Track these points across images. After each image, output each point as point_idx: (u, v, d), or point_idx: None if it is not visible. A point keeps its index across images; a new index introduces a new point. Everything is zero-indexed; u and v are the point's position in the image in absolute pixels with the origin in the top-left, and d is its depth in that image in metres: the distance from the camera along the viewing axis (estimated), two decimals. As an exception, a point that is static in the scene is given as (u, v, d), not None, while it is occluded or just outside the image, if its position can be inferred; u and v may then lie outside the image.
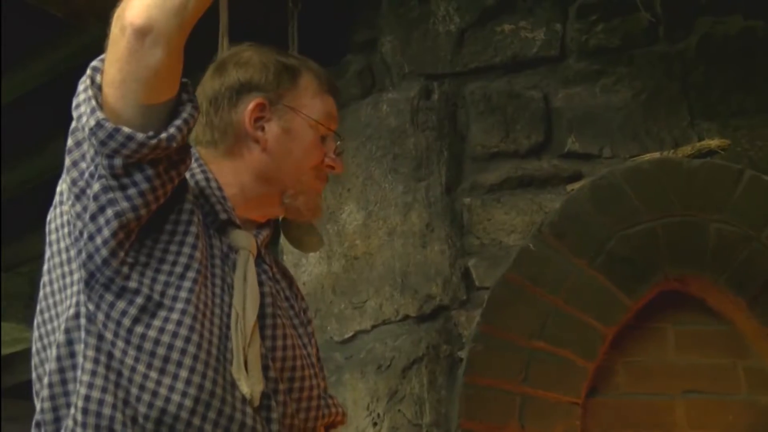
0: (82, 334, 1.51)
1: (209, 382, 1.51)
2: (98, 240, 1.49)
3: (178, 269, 1.54)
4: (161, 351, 1.49)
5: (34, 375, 1.60)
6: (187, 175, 1.61)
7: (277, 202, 1.73)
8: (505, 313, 2.87)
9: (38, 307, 1.60)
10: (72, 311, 1.52)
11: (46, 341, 1.57)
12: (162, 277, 1.53)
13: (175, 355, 1.50)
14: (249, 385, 1.55)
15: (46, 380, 1.54)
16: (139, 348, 1.49)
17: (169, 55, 1.47)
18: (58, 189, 1.59)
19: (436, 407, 2.88)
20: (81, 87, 1.51)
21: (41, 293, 1.59)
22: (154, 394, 1.49)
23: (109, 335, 1.49)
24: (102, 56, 1.51)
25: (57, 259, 1.57)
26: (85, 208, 1.50)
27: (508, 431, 2.80)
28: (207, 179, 1.68)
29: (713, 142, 2.96)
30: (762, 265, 2.91)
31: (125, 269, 1.51)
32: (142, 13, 1.45)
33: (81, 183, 1.51)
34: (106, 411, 1.49)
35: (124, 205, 1.49)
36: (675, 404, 2.92)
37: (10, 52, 3.33)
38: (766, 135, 3.10)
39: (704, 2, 3.17)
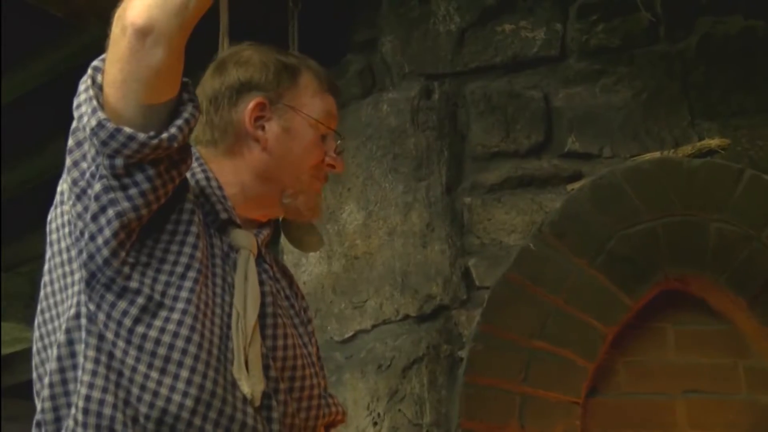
0: (83, 334, 1.51)
1: (210, 382, 1.51)
2: (99, 240, 1.49)
3: (179, 269, 1.54)
4: (162, 351, 1.49)
5: (34, 375, 1.60)
6: (188, 174, 1.61)
7: (277, 202, 1.73)
8: (506, 312, 2.87)
9: (39, 307, 1.60)
10: (73, 311, 1.52)
11: (46, 341, 1.57)
12: (163, 277, 1.53)
13: (176, 355, 1.50)
14: (250, 385, 1.55)
15: (46, 380, 1.54)
16: (140, 348, 1.49)
17: (170, 55, 1.47)
18: (59, 189, 1.59)
19: (437, 407, 2.88)
20: (82, 87, 1.51)
21: (42, 293, 1.59)
22: (155, 394, 1.49)
23: (110, 335, 1.49)
24: (103, 56, 1.51)
25: (58, 259, 1.56)
26: (86, 208, 1.50)
27: (508, 431, 2.80)
28: (207, 178, 1.68)
29: (713, 142, 2.96)
30: (762, 264, 2.91)
31: (126, 269, 1.51)
32: (143, 13, 1.44)
33: (82, 183, 1.51)
34: (107, 411, 1.49)
35: (126, 205, 1.49)
36: (675, 404, 2.92)
37: (10, 52, 3.33)
38: (767, 134, 3.10)
39: (704, 2, 3.17)
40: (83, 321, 1.51)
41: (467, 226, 3.05)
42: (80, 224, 1.51)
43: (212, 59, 1.80)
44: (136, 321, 1.50)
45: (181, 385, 1.49)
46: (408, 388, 2.91)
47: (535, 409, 2.81)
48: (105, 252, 1.49)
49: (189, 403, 1.49)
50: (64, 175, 1.54)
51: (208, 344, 1.53)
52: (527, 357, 2.83)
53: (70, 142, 1.53)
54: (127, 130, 1.46)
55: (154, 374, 1.49)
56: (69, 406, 1.51)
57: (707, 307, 2.97)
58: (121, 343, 1.49)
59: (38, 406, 1.55)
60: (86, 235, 1.50)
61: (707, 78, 3.12)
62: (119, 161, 1.47)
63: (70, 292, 1.54)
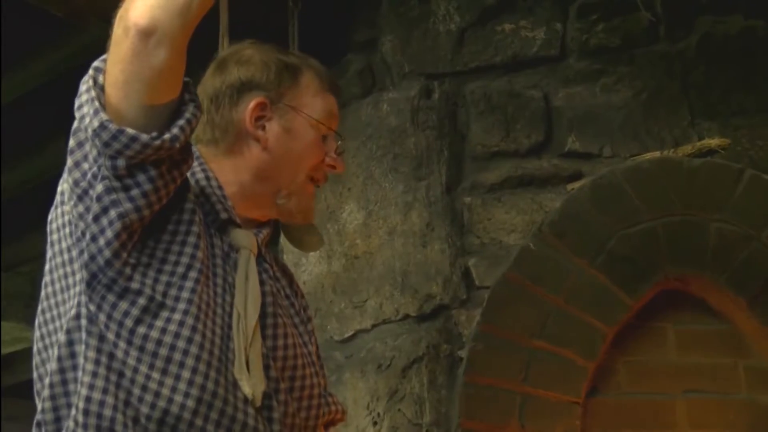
0: (83, 335, 1.51)
1: (211, 383, 1.51)
2: (101, 241, 1.49)
3: (180, 269, 1.54)
4: (163, 352, 1.49)
5: (35, 374, 1.59)
6: (188, 173, 1.61)
7: (272, 203, 1.72)
8: (506, 312, 2.87)
9: (40, 307, 1.60)
10: (73, 312, 1.52)
11: (47, 341, 1.57)
12: (164, 278, 1.53)
13: (177, 356, 1.50)
14: (251, 385, 1.55)
15: (47, 380, 1.54)
16: (141, 349, 1.49)
17: (173, 56, 1.46)
18: (59, 189, 1.58)
19: (436, 406, 2.88)
20: (83, 87, 1.51)
21: (43, 293, 1.59)
22: (157, 394, 1.49)
23: (110, 336, 1.49)
24: (104, 56, 1.51)
25: (59, 259, 1.56)
26: (87, 209, 1.50)
27: (508, 431, 2.80)
28: (207, 178, 1.68)
29: (713, 142, 2.96)
30: (762, 264, 2.91)
31: (127, 270, 1.50)
32: (146, 14, 1.44)
33: (83, 184, 1.50)
34: (107, 412, 1.48)
35: (127, 206, 1.48)
36: (675, 403, 2.92)
37: (10, 52, 3.33)
38: (767, 134, 3.10)
39: (705, 2, 3.17)
40: (83, 322, 1.51)
41: (467, 225, 3.05)
42: (82, 225, 1.50)
43: (212, 59, 1.80)
44: (138, 322, 1.50)
45: (182, 386, 1.49)
46: (408, 387, 2.91)
47: (535, 408, 2.81)
48: (107, 253, 1.49)
49: (190, 403, 1.49)
50: (65, 176, 1.54)
51: (209, 344, 1.53)
52: (527, 357, 2.83)
53: (71, 142, 1.52)
54: (130, 131, 1.46)
55: (156, 375, 1.49)
56: (69, 406, 1.51)
57: (707, 307, 2.97)
58: (122, 344, 1.49)
59: (38, 406, 1.55)
60: (88, 236, 1.49)
61: (707, 78, 3.13)
62: (121, 162, 1.47)
63: (71, 292, 1.54)
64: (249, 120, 1.70)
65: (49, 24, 3.22)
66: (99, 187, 1.48)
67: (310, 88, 1.74)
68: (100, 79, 1.50)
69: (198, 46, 1.60)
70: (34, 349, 1.60)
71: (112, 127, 1.46)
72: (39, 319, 1.60)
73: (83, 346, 1.50)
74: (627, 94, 3.10)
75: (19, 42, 3.33)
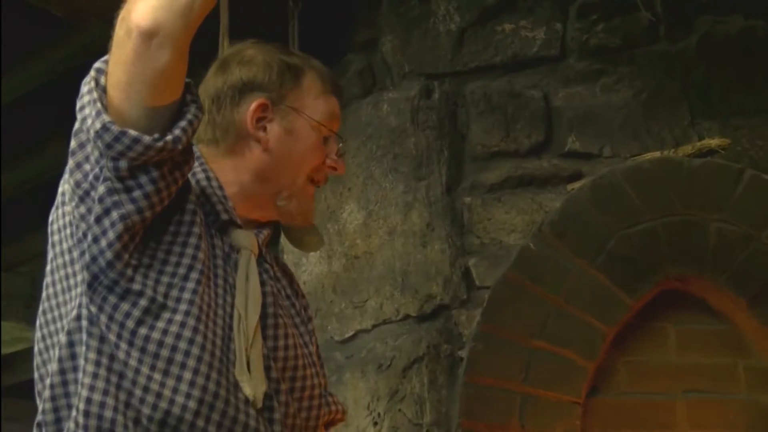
0: (84, 336, 1.51)
1: (212, 384, 1.51)
2: (103, 243, 1.49)
3: (181, 270, 1.54)
4: (165, 353, 1.49)
5: (36, 375, 1.59)
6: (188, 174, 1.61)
7: (272, 204, 1.72)
8: (506, 312, 2.87)
9: (41, 307, 1.60)
10: (74, 313, 1.52)
11: (49, 342, 1.57)
12: (165, 279, 1.53)
13: (178, 357, 1.50)
14: (252, 386, 1.55)
15: (48, 381, 1.54)
16: (143, 350, 1.49)
17: (176, 57, 1.46)
18: (60, 189, 1.58)
19: (437, 406, 2.88)
20: (85, 89, 1.50)
21: (44, 293, 1.59)
22: (158, 395, 1.49)
23: (112, 337, 1.49)
24: (105, 58, 1.51)
25: (60, 260, 1.56)
26: (89, 210, 1.50)
27: (508, 430, 2.80)
28: (208, 178, 1.68)
29: (714, 142, 2.96)
30: (762, 264, 2.91)
31: (129, 271, 1.50)
32: (149, 15, 1.44)
33: (85, 185, 1.50)
34: (108, 413, 1.48)
35: (129, 207, 1.48)
36: (676, 403, 2.92)
37: (10, 52, 3.33)
38: (767, 134, 3.10)
39: (705, 2, 3.17)
40: (84, 323, 1.51)
41: (467, 225, 3.05)
42: (83, 226, 1.50)
43: (212, 59, 1.80)
44: (139, 323, 1.50)
45: (183, 387, 1.49)
46: (408, 387, 2.91)
47: (535, 408, 2.81)
48: (108, 254, 1.49)
49: (192, 404, 1.49)
50: (66, 176, 1.54)
51: (210, 345, 1.53)
52: (527, 357, 2.83)
53: (73, 143, 1.52)
54: (132, 132, 1.45)
55: (157, 376, 1.49)
56: (70, 407, 1.51)
57: (707, 307, 2.97)
58: (123, 345, 1.49)
59: (39, 407, 1.55)
60: (89, 237, 1.49)
61: (707, 78, 3.13)
62: (123, 163, 1.46)
63: (73, 293, 1.54)
64: (250, 121, 1.69)
65: (49, 24, 3.22)
66: (101, 189, 1.48)
67: (312, 89, 1.74)
68: (102, 80, 1.49)
69: (198, 46, 1.60)
70: (36, 349, 1.60)
71: (115, 128, 1.45)
72: (40, 319, 1.59)
73: (84, 348, 1.50)
74: (627, 94, 3.10)
75: (19, 42, 3.33)
